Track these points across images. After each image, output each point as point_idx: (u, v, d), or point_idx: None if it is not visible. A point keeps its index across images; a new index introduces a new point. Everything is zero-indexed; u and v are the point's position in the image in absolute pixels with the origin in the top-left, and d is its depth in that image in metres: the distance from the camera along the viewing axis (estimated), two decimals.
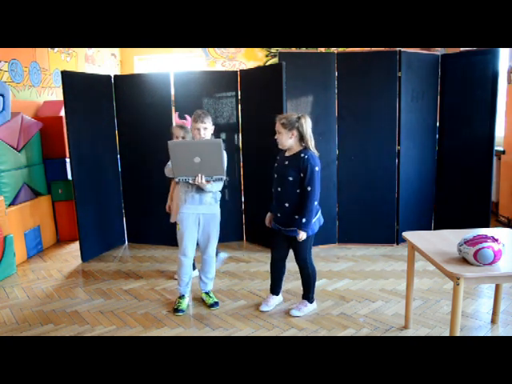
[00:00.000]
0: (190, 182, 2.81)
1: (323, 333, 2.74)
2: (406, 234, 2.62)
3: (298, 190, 2.72)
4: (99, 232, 4.30)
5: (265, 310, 3.03)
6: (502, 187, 5.08)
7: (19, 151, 4.20)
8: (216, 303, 3.11)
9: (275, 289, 3.09)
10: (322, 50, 5.79)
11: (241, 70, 4.48)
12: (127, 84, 4.33)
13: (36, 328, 2.87)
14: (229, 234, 4.43)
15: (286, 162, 2.77)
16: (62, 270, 3.93)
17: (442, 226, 4.15)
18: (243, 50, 7.04)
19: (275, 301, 3.10)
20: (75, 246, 4.44)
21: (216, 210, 3.02)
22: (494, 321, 2.79)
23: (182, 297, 3.10)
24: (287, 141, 2.74)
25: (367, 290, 3.36)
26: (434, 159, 4.43)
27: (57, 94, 5.32)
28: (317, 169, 2.68)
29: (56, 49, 5.42)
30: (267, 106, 4.01)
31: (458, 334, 2.17)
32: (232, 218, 4.50)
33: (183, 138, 3.23)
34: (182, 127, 3.28)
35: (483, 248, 2.06)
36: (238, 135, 4.50)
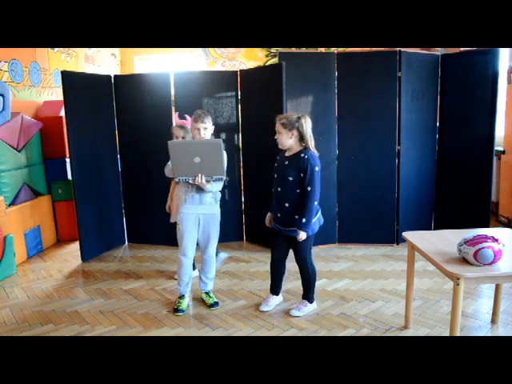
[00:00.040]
0: (190, 182, 2.81)
1: (323, 333, 2.74)
2: (406, 234, 2.62)
3: (298, 190, 2.72)
4: (99, 232, 4.30)
5: (265, 310, 3.03)
6: (502, 187, 5.08)
7: (19, 151, 4.20)
8: (216, 303, 3.11)
9: (275, 289, 3.09)
10: (322, 50, 5.79)
11: (241, 70, 4.48)
12: (127, 84, 4.33)
13: (36, 328, 2.87)
14: (229, 234, 4.43)
15: (286, 162, 2.77)
16: (62, 270, 3.93)
17: (442, 226, 4.15)
18: (243, 50, 7.03)
19: (275, 301, 3.10)
20: (75, 246, 4.44)
21: (216, 210, 3.02)
22: (493, 321, 2.79)
23: (182, 297, 3.10)
24: (287, 141, 2.74)
25: (367, 289, 3.36)
26: (434, 159, 4.43)
27: (57, 94, 5.32)
28: (317, 169, 2.68)
29: (56, 49, 5.42)
30: (267, 106, 4.01)
31: (458, 334, 2.17)
32: (232, 218, 4.50)
33: (183, 137, 3.23)
34: (182, 127, 3.28)
35: (483, 248, 2.06)
36: (238, 135, 4.50)
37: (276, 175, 2.85)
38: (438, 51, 5.30)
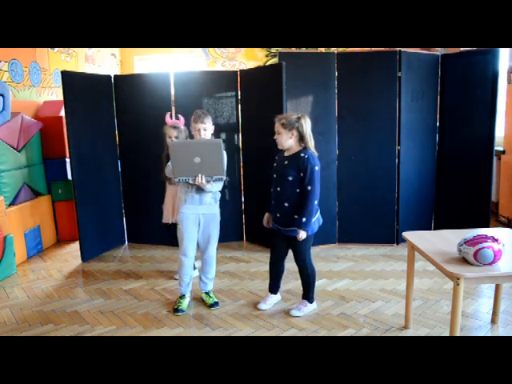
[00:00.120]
0: (190, 182, 2.81)
1: (323, 333, 2.74)
2: (406, 234, 2.62)
3: (297, 190, 2.72)
4: (99, 232, 4.30)
5: (263, 308, 3.03)
6: (502, 187, 5.08)
7: (19, 151, 4.20)
8: (216, 303, 3.11)
9: (274, 288, 3.10)
10: (322, 50, 5.79)
11: (241, 70, 4.48)
12: (127, 84, 4.33)
13: (36, 328, 2.87)
14: (229, 234, 4.43)
15: (286, 162, 2.77)
16: (62, 270, 3.93)
17: (442, 226, 4.15)
18: (243, 49, 7.04)
19: (273, 299, 3.10)
20: (75, 246, 4.44)
21: (216, 210, 3.02)
22: (493, 321, 2.79)
23: (182, 297, 3.10)
24: (287, 141, 2.74)
25: (367, 289, 3.36)
26: (434, 159, 4.43)
27: (57, 94, 5.32)
28: (317, 168, 2.68)
29: (56, 49, 5.42)
30: (267, 105, 4.00)
31: (458, 333, 2.17)
32: (232, 218, 4.50)
33: (176, 137, 3.25)
34: (174, 127, 3.30)
35: (483, 248, 2.06)
36: (238, 135, 4.50)
37: (275, 175, 2.84)
38: (438, 51, 5.30)
